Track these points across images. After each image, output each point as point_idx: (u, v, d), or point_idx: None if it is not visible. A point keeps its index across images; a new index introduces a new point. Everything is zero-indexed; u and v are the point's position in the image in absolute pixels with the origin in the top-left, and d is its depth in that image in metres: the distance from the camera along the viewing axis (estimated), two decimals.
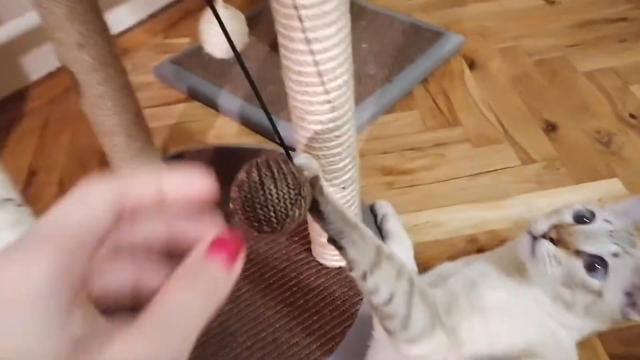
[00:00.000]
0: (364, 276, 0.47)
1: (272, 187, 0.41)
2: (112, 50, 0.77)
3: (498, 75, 1.17)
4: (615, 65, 1.15)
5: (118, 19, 1.30)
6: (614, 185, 0.93)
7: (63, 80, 1.02)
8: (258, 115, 1.07)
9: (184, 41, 1.36)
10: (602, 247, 0.48)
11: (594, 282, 0.47)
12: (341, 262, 0.79)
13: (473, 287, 0.55)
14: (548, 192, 0.93)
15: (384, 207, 0.89)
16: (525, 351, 0.51)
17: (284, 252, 0.85)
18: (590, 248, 0.48)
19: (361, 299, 0.77)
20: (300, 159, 0.47)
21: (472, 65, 1.20)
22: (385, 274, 0.48)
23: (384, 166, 1.01)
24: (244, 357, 0.73)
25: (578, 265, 0.48)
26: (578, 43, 1.23)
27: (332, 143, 0.64)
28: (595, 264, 0.47)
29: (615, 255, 0.47)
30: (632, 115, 1.04)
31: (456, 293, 0.54)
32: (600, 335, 0.73)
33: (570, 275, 0.48)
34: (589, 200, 0.89)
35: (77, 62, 0.75)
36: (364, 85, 1.12)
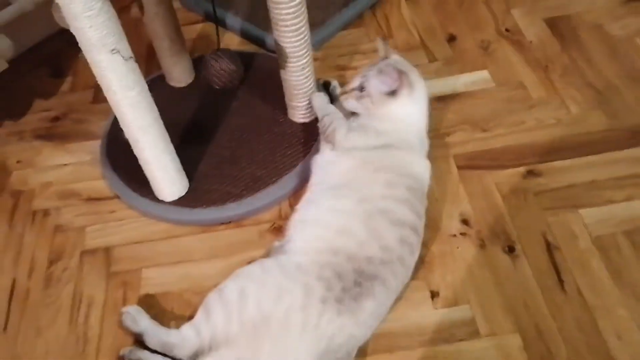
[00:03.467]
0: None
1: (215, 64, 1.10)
2: None
3: (423, 4, 1.65)
4: None
5: None
6: (484, 75, 1.43)
7: None
8: (253, 31, 1.56)
9: None
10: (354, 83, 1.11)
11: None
12: (306, 119, 1.30)
13: None
14: (442, 79, 1.43)
15: (334, 82, 1.38)
16: None
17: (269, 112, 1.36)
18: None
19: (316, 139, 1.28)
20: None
21: None
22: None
23: (338, 64, 1.51)
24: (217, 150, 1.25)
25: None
26: None
27: (295, 39, 1.13)
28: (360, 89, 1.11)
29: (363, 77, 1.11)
30: (507, 30, 1.53)
31: None
32: (454, 156, 1.25)
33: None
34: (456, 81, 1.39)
35: None
36: (328, 10, 1.60)
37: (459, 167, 1.24)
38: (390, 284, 0.95)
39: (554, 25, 1.53)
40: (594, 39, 1.47)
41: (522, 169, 1.22)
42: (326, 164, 1.10)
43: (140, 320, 0.99)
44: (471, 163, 1.25)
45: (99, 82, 0.97)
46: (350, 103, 1.14)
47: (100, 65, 0.92)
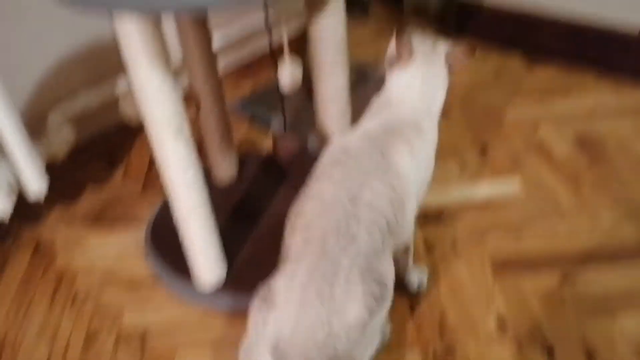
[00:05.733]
0: None
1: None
2: (219, 86, 1.37)
3: (455, 117, 1.75)
4: (533, 113, 1.73)
5: None
6: (516, 183, 1.48)
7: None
8: (296, 133, 1.67)
9: (248, 88, 1.99)
10: None
11: None
12: None
13: None
14: (475, 186, 1.49)
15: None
16: None
17: None
18: None
19: None
20: None
21: None
22: None
23: None
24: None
25: None
26: (513, 98, 1.81)
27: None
28: None
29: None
30: (536, 143, 1.61)
31: None
32: (489, 257, 1.27)
33: None
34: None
35: (200, 90, 1.35)
36: None
37: (494, 269, 1.25)
38: None
39: (582, 141, 1.60)
40: (621, 156, 1.54)
41: (557, 274, 1.23)
42: None
43: None
44: (506, 266, 1.26)
45: (158, 163, 1.05)
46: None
47: (162, 145, 1.00)
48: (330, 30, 1.05)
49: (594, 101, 1.76)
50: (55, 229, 1.47)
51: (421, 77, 1.08)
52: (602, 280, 1.20)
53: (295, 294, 0.89)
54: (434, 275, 1.25)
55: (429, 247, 1.31)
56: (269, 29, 1.32)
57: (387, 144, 1.02)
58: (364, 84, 1.88)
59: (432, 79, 1.09)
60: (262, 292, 0.93)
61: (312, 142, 1.63)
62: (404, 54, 1.07)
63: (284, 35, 1.18)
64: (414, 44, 1.08)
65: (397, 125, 1.05)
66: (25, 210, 1.52)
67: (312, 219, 0.95)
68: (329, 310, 0.87)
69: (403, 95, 1.08)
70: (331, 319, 0.87)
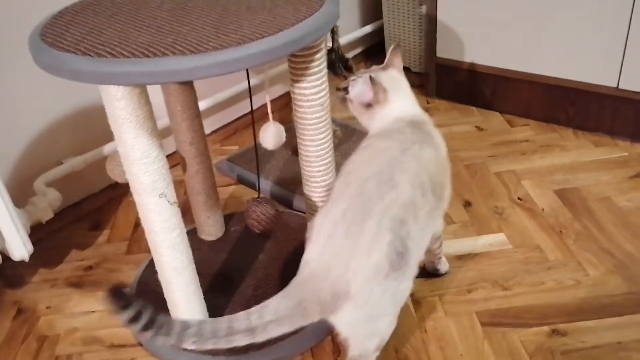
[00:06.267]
0: None
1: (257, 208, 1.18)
2: (205, 147, 1.40)
3: None
4: (515, 169, 1.76)
5: None
6: (501, 237, 1.49)
7: (175, 160, 1.63)
8: (281, 192, 1.68)
9: (234, 148, 2.02)
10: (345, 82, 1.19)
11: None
12: None
13: None
14: (460, 240, 1.49)
15: None
16: None
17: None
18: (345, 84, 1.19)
19: None
20: None
21: None
22: None
23: None
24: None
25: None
26: (494, 154, 1.85)
27: (325, 194, 1.23)
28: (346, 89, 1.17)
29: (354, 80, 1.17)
30: (519, 198, 1.63)
31: None
32: (477, 313, 1.26)
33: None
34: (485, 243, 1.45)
35: (186, 151, 1.37)
36: None
37: (483, 324, 1.24)
38: None
39: (564, 195, 1.63)
40: (603, 209, 1.56)
41: (546, 328, 1.22)
42: None
43: None
44: (494, 320, 1.25)
45: (142, 224, 1.05)
46: (338, 99, 1.21)
47: (147, 207, 1.00)
48: (313, 91, 1.08)
49: (574, 156, 1.81)
50: (39, 292, 1.45)
51: (406, 98, 1.17)
52: (591, 334, 1.19)
53: (326, 229, 0.93)
54: (421, 332, 1.23)
55: (416, 303, 1.31)
56: (250, 94, 1.36)
57: (426, 128, 1.11)
58: (349, 140, 1.92)
59: (410, 94, 1.18)
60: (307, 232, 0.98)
61: (297, 202, 1.64)
62: (380, 94, 1.12)
63: (267, 96, 1.21)
64: (378, 79, 1.14)
65: (421, 121, 1.14)
66: (8, 272, 1.49)
67: (361, 163, 1.01)
68: (353, 248, 0.90)
69: (403, 113, 1.14)
70: (352, 256, 0.90)
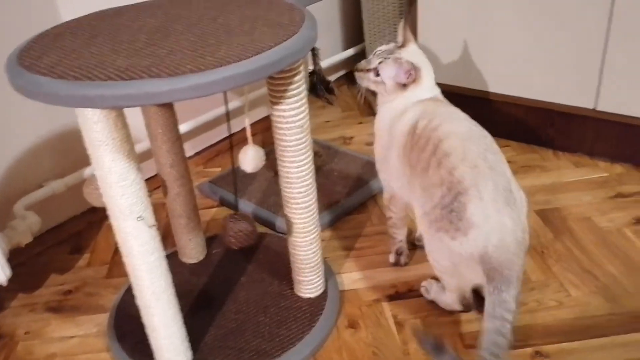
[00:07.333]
0: None
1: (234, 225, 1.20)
2: (186, 170, 1.39)
3: None
4: None
5: None
6: None
7: (157, 182, 1.63)
8: (264, 214, 1.68)
9: (217, 170, 2.01)
10: (374, 62, 1.26)
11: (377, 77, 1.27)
12: (311, 294, 1.34)
13: None
14: None
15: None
16: None
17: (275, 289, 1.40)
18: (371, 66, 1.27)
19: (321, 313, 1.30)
20: None
21: None
22: None
23: (342, 245, 1.58)
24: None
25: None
26: None
27: (305, 215, 1.23)
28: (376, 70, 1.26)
29: (380, 62, 1.25)
30: None
31: None
32: (459, 335, 1.25)
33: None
34: None
35: (167, 174, 1.36)
36: (332, 197, 1.73)
37: (466, 347, 1.23)
38: None
39: (545, 216, 1.64)
40: (584, 230, 1.57)
41: (529, 350, 1.21)
42: None
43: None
44: (477, 342, 1.24)
45: (120, 248, 1.03)
46: (365, 82, 1.30)
47: (125, 230, 0.99)
48: (292, 113, 1.08)
49: (555, 177, 1.82)
50: (17, 317, 1.42)
51: (431, 72, 1.30)
52: (574, 356, 1.19)
53: (490, 208, 1.06)
54: (404, 355, 1.22)
55: (399, 325, 1.30)
56: (227, 117, 1.37)
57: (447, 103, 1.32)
58: (331, 162, 1.92)
59: (430, 67, 1.30)
60: (451, 226, 1.09)
61: (280, 223, 1.63)
62: (414, 74, 1.24)
63: (246, 119, 1.21)
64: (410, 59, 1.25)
65: (441, 98, 1.32)
66: None
67: (462, 149, 1.10)
68: (518, 211, 1.09)
69: (431, 89, 1.29)
70: (521, 217, 1.10)
